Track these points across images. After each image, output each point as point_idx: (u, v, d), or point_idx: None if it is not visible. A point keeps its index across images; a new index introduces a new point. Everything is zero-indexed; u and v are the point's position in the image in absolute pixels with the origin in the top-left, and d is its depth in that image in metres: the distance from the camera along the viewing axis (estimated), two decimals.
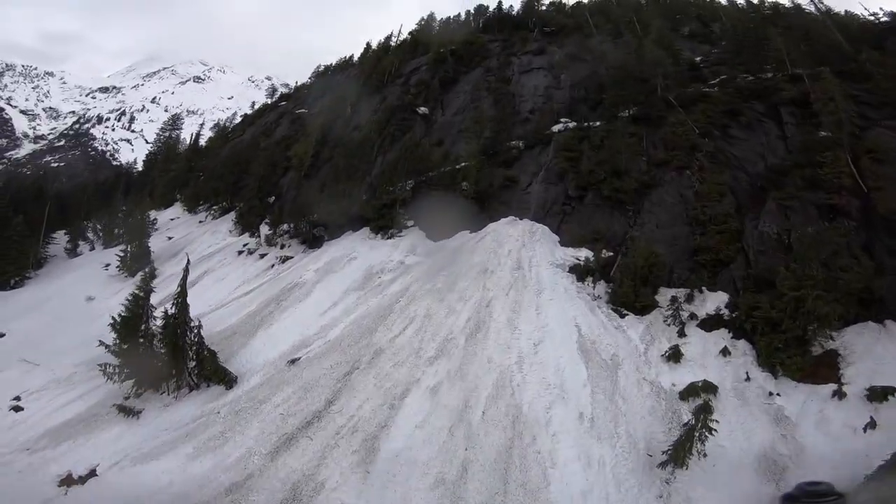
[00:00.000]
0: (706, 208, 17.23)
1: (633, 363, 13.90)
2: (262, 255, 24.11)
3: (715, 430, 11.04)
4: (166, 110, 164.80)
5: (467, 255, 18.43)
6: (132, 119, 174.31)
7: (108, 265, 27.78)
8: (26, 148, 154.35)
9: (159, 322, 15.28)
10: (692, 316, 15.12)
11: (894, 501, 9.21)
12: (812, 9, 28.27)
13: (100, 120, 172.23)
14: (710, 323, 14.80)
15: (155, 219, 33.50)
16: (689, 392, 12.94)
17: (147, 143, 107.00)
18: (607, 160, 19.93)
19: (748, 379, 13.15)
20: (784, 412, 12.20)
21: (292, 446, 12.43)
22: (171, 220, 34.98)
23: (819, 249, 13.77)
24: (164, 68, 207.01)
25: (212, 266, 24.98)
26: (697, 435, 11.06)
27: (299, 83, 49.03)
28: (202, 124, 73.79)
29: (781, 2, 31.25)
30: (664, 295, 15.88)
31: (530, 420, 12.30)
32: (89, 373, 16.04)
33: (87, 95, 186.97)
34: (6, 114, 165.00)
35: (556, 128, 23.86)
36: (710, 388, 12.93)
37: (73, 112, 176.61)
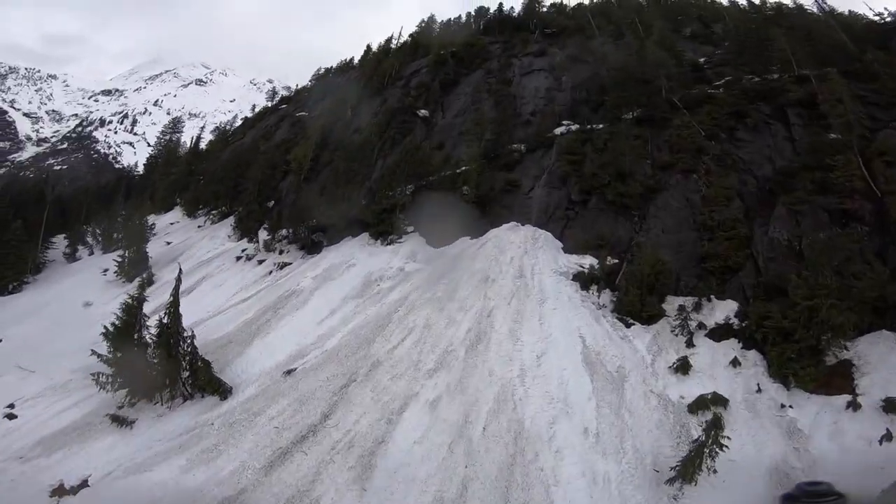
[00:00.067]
0: (714, 213, 16.82)
1: (640, 375, 13.51)
2: (261, 262, 23.80)
3: (726, 446, 10.68)
4: (168, 113, 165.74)
5: (468, 263, 18.08)
6: (134, 122, 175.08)
7: (106, 270, 27.58)
8: (29, 151, 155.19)
9: (153, 330, 15.07)
10: (700, 325, 14.74)
11: None
12: (814, 9, 28.00)
13: (102, 123, 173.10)
14: (720, 332, 14.41)
15: (153, 224, 33.28)
16: (699, 405, 12.60)
17: (149, 145, 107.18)
18: (611, 163, 19.56)
19: (759, 390, 12.79)
20: (797, 424, 11.88)
21: (287, 461, 12.12)
22: (171, 224, 34.78)
23: (831, 256, 13.43)
24: (167, 71, 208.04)
25: (210, 272, 24.71)
26: (707, 451, 10.72)
27: (300, 86, 49.06)
28: (203, 127, 73.65)
29: (784, 2, 30.93)
30: (671, 303, 15.50)
31: (533, 435, 11.93)
32: (85, 380, 15.81)
33: (89, 98, 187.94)
34: (9, 116, 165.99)
35: (558, 130, 23.53)
36: (719, 400, 12.59)
37: (76, 115, 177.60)
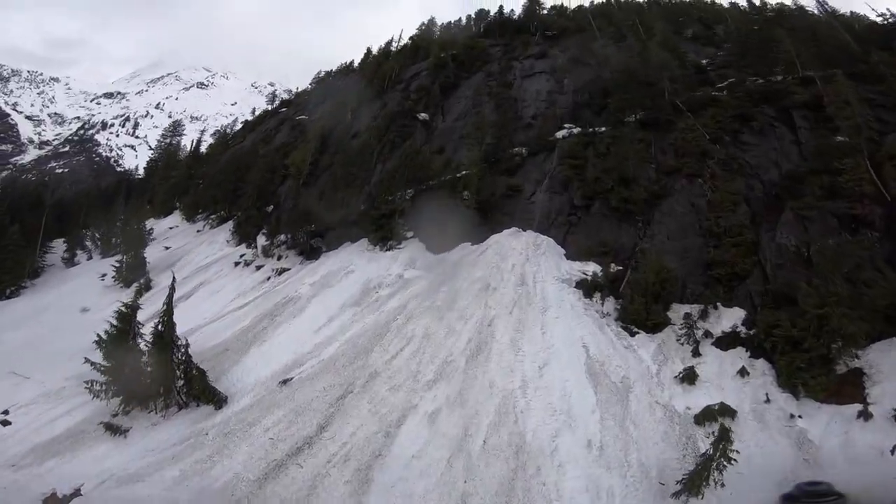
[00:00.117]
0: (720, 219, 16.47)
1: (645, 385, 13.18)
2: (259, 267, 23.53)
3: (735, 459, 10.34)
4: (170, 116, 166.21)
5: (468, 270, 17.74)
6: (136, 125, 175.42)
7: (104, 275, 27.38)
8: (31, 153, 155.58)
9: (148, 338, 14.84)
10: (707, 334, 14.40)
11: None
12: (816, 10, 27.73)
13: (104, 126, 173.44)
14: (727, 341, 14.07)
15: (151, 228, 33.13)
16: (705, 416, 12.30)
17: (150, 149, 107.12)
18: (614, 168, 19.20)
19: (768, 400, 12.48)
20: (807, 435, 11.62)
21: (281, 474, 11.84)
22: (170, 228, 34.61)
23: (841, 263, 13.14)
24: (168, 74, 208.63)
25: (208, 277, 24.48)
26: (715, 465, 10.40)
27: (300, 89, 48.99)
28: (203, 130, 73.82)
29: (785, 3, 30.67)
30: (677, 311, 15.16)
31: (535, 449, 11.59)
32: (79, 387, 15.59)
33: (91, 101, 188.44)
34: (12, 119, 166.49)
35: (559, 134, 23.18)
36: (727, 411, 12.29)
37: (78, 118, 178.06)
